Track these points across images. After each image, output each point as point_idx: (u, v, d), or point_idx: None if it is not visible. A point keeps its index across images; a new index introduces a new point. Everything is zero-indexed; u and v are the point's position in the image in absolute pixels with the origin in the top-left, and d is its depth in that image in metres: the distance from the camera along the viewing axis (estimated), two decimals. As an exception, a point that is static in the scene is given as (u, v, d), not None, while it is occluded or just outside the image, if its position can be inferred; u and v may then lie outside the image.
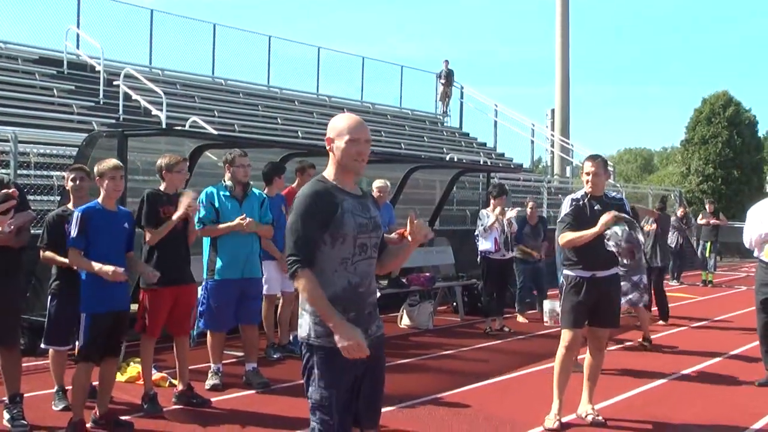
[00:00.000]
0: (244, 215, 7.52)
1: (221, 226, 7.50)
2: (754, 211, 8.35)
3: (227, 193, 7.64)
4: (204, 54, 21.96)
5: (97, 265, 5.78)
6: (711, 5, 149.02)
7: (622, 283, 7.53)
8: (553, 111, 34.21)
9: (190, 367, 7.05)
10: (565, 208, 6.59)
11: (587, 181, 6.58)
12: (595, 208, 6.50)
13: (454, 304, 12.83)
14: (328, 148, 3.93)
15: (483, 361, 9.33)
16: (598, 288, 6.55)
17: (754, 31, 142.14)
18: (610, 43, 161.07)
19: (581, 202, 6.56)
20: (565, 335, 6.63)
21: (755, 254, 8.33)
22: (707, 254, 19.44)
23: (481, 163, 22.02)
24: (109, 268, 5.74)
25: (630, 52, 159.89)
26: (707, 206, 20.45)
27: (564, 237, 6.45)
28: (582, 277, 6.55)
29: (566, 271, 6.62)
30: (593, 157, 6.69)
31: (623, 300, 8.77)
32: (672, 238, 18.09)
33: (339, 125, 3.93)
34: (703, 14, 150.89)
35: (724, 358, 9.86)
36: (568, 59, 35.54)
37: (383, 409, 6.76)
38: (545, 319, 12.17)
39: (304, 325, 3.93)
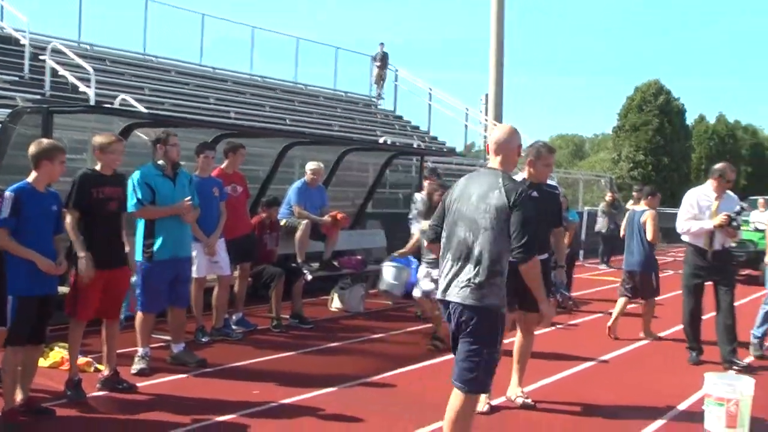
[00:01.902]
0: (190, 198, 7.47)
1: (164, 208, 7.39)
2: (689, 198, 8.66)
3: (159, 173, 7.47)
4: (135, 30, 21.43)
5: (29, 252, 5.64)
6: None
7: (434, 271, 7.99)
8: (487, 96, 34.39)
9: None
10: None
11: (538, 171, 6.60)
12: (533, 194, 6.54)
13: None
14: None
15: (414, 344, 9.34)
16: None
17: (685, 22, 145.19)
18: (545, 31, 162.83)
19: None
20: (496, 318, 6.65)
21: (692, 241, 8.54)
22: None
23: (415, 146, 22.01)
24: (44, 261, 5.66)
25: (564, 41, 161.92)
26: (635, 193, 20.77)
27: None
28: (512, 262, 6.56)
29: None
30: (552, 149, 6.73)
31: None
32: (602, 223, 18.40)
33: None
34: (635, 6, 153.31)
35: (652, 340, 10.05)
36: (502, 45, 35.64)
37: (313, 393, 6.81)
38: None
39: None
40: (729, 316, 8.49)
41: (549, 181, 6.98)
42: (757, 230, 17.27)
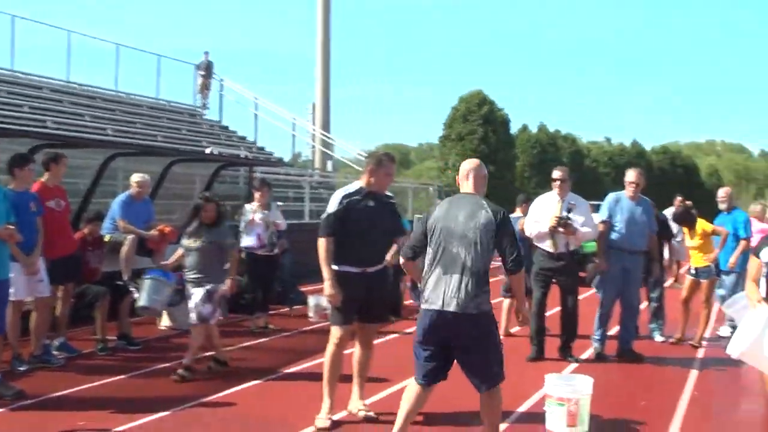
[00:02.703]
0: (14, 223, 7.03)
1: None
2: (535, 204, 9.35)
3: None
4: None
5: None
6: (467, 10, 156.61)
7: (195, 290, 7.96)
8: (314, 105, 34.38)
9: None
10: (335, 204, 6.46)
11: (379, 180, 6.51)
12: (370, 204, 6.45)
13: (218, 302, 12.41)
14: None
15: (249, 360, 9.05)
16: (367, 283, 6.49)
17: (508, 34, 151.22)
18: (371, 41, 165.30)
19: (354, 198, 6.46)
20: (336, 332, 6.52)
21: (538, 244, 9.09)
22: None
23: (242, 156, 21.61)
24: None
25: (391, 52, 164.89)
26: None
27: None
28: (351, 272, 6.45)
29: (334, 267, 6.47)
30: (393, 159, 6.68)
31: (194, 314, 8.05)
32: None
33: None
34: (460, 18, 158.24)
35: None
36: (329, 54, 35.80)
37: (145, 419, 6.42)
38: (310, 314, 12.06)
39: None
40: (572, 314, 9.09)
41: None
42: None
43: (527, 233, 9.21)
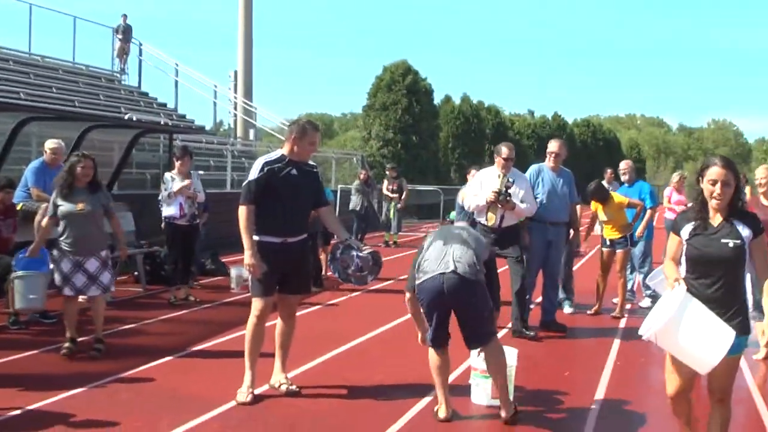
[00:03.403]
0: None
1: None
2: (476, 178, 9.32)
3: None
4: None
5: None
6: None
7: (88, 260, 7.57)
8: (236, 73, 33.82)
9: None
10: (256, 171, 6.28)
11: (302, 149, 6.36)
12: (292, 173, 6.30)
13: (136, 273, 12.13)
14: None
15: (168, 334, 8.87)
16: (288, 254, 6.35)
17: (431, 3, 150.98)
18: (295, 9, 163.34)
19: (276, 165, 6.29)
20: (257, 304, 6.38)
21: (477, 218, 8.87)
22: (391, 216, 20.13)
23: (162, 123, 21.10)
24: None
25: (315, 20, 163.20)
26: (388, 171, 21.15)
27: None
28: (272, 242, 6.30)
29: (255, 237, 6.30)
30: (317, 127, 6.52)
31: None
32: (355, 201, 18.55)
33: None
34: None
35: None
36: (251, 21, 35.28)
37: (60, 396, 6.19)
38: (232, 285, 11.87)
39: None
40: (520, 289, 8.86)
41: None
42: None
43: (465, 206, 9.12)
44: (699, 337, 4.34)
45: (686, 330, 4.35)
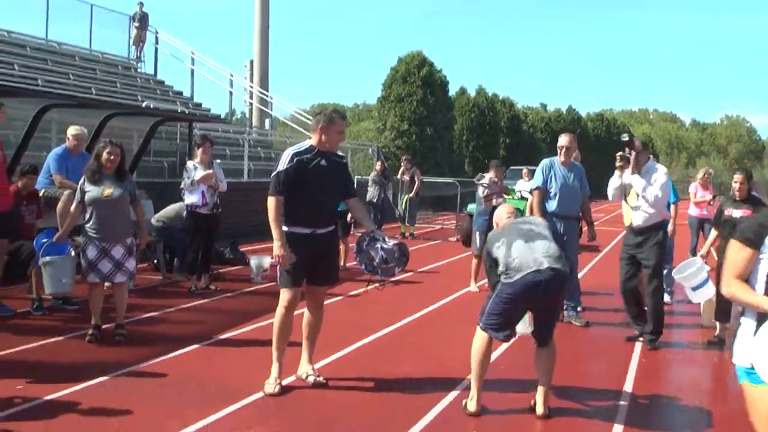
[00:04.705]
0: None
1: None
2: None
3: None
4: None
5: None
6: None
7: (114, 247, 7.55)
8: (252, 62, 33.78)
9: None
10: (285, 162, 6.22)
11: (330, 139, 6.32)
12: (321, 163, 6.24)
13: (155, 261, 12.10)
14: None
15: (191, 322, 8.83)
16: (317, 244, 6.29)
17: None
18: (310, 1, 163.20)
19: (305, 156, 6.23)
20: (285, 294, 6.31)
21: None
22: (403, 207, 20.05)
23: (180, 112, 21.06)
24: None
25: (330, 11, 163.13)
26: (403, 163, 21.04)
27: None
28: (301, 233, 6.25)
29: (284, 228, 6.24)
30: (343, 115, 6.51)
31: None
32: (372, 192, 18.46)
33: None
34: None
35: (438, 306, 10.25)
36: (267, 11, 35.26)
37: (84, 384, 6.15)
38: (253, 275, 11.81)
39: None
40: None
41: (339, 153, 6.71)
42: (522, 198, 17.97)
43: (610, 197, 8.88)
44: None
45: None
